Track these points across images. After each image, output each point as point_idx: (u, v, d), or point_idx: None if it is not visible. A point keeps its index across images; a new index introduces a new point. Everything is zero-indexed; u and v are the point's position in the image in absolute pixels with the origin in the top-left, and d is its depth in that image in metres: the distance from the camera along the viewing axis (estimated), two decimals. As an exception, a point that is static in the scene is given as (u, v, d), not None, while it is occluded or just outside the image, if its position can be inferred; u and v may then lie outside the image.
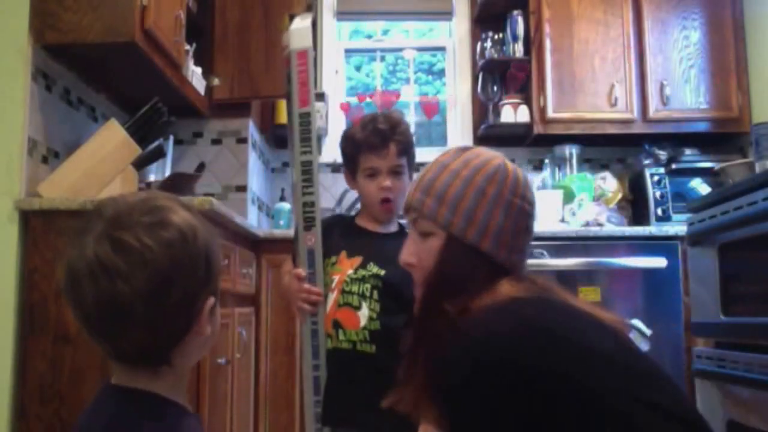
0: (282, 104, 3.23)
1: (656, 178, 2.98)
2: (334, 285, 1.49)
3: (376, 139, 1.50)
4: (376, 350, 1.43)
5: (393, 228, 1.60)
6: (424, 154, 3.52)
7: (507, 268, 1.01)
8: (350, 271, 1.49)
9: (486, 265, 1.00)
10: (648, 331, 2.49)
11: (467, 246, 1.00)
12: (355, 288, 1.47)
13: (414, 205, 1.05)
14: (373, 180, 1.52)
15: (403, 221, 1.55)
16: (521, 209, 1.03)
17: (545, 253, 2.62)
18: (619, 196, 3.05)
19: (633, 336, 2.40)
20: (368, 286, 1.46)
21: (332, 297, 1.49)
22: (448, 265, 1.00)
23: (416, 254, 1.05)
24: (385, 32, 3.85)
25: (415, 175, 1.12)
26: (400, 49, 3.76)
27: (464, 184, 1.02)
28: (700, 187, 2.91)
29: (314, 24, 3.50)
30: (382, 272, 1.47)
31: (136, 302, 0.76)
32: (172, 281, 0.78)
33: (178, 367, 0.84)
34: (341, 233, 1.58)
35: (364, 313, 1.45)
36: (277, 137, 3.35)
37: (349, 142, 1.57)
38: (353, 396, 1.43)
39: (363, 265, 1.49)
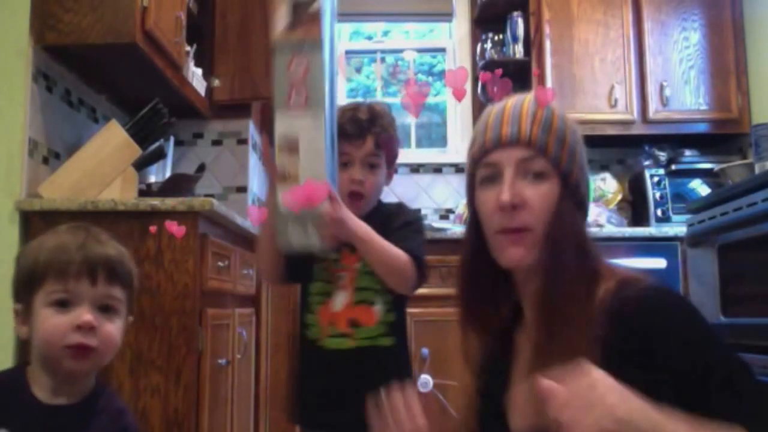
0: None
1: (656, 179, 2.98)
2: (344, 282, 1.42)
3: (354, 127, 1.41)
4: (394, 341, 1.42)
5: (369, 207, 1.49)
6: (424, 155, 3.57)
7: None
8: (357, 265, 1.42)
9: (583, 220, 0.97)
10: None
11: (579, 199, 0.95)
12: (366, 282, 1.41)
13: (535, 141, 0.93)
14: (346, 170, 1.43)
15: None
16: None
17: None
18: (619, 197, 3.05)
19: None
20: (375, 278, 1.39)
21: (345, 295, 1.42)
22: (566, 216, 0.92)
23: (522, 196, 0.92)
24: (386, 33, 3.85)
25: (513, 106, 0.97)
26: (401, 51, 3.76)
27: (574, 135, 0.96)
28: (700, 188, 2.91)
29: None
30: None
31: None
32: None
33: (33, 356, 1.03)
34: None
35: (379, 308, 1.41)
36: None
37: None
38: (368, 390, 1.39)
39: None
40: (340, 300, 1.42)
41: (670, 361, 0.79)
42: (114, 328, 1.02)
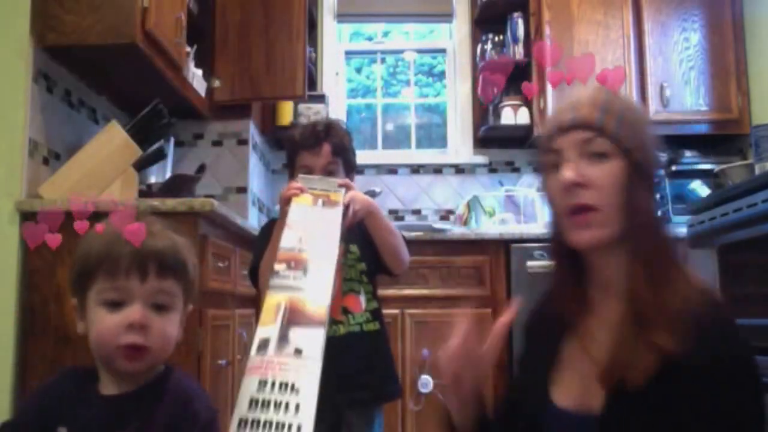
0: (281, 105, 3.23)
1: (656, 179, 2.98)
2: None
3: (311, 138, 1.56)
4: (379, 326, 1.58)
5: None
6: (424, 155, 3.57)
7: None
8: (342, 258, 1.53)
9: (653, 199, 0.98)
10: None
11: (646, 176, 0.96)
12: (350, 273, 1.56)
13: (593, 122, 0.94)
14: None
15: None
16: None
17: (545, 254, 2.62)
18: (620, 197, 3.05)
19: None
20: (357, 270, 1.57)
21: (334, 287, 1.53)
22: (636, 193, 0.93)
23: (585, 175, 0.93)
24: (386, 34, 3.85)
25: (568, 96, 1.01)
26: (401, 51, 3.76)
27: (634, 114, 0.97)
28: (700, 189, 2.91)
29: (314, 25, 3.51)
30: (360, 252, 1.57)
31: None
32: None
33: (93, 353, 0.99)
34: None
35: (362, 297, 1.57)
36: (277, 139, 3.35)
37: (287, 142, 1.64)
38: (360, 372, 1.52)
39: (348, 249, 1.56)
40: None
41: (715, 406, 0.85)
42: (168, 325, 0.98)
